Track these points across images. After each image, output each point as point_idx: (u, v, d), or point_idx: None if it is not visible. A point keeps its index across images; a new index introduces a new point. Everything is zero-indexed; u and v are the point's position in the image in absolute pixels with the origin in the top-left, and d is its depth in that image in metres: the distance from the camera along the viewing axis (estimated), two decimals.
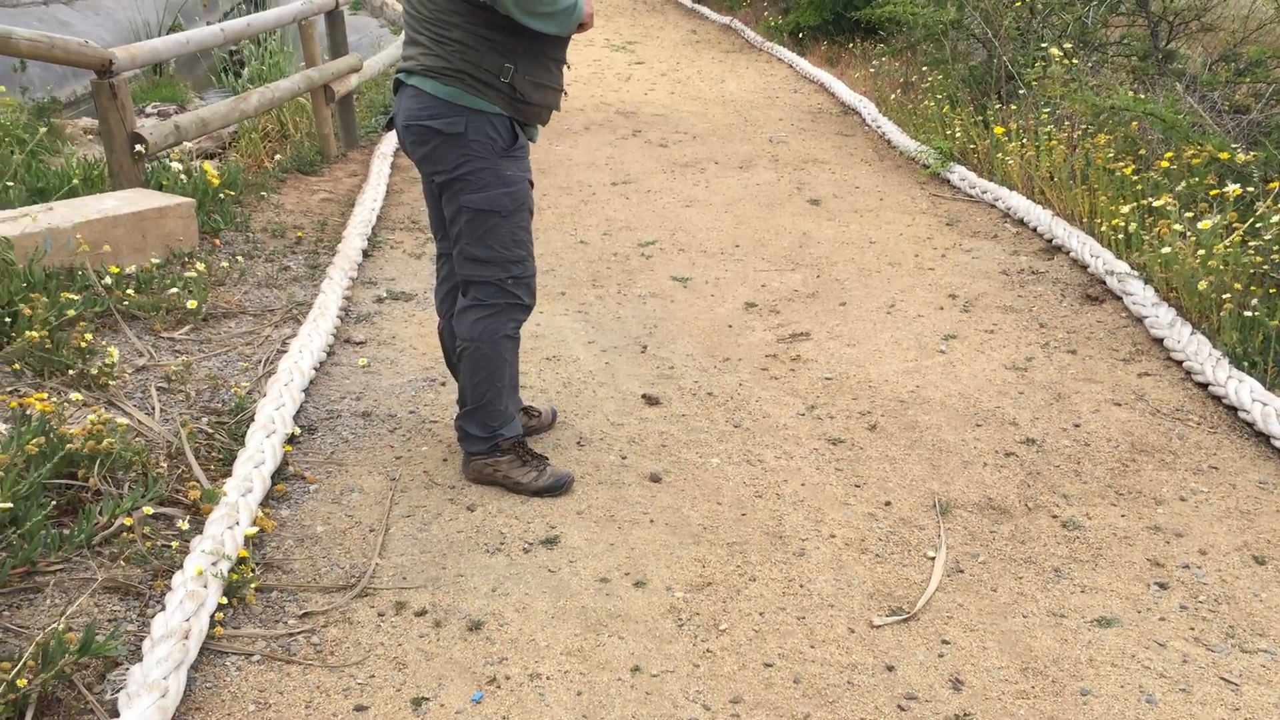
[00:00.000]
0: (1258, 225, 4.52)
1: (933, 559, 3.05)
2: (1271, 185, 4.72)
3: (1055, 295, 4.92)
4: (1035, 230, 5.68)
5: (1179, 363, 4.16)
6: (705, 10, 14.99)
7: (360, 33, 14.80)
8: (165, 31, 11.69)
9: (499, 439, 3.33)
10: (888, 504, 3.32)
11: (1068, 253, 5.29)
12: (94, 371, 3.58)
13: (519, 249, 3.19)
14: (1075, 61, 6.69)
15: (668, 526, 3.18)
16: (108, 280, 4.19)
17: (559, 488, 3.33)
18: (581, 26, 3.06)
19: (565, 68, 3.22)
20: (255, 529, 2.94)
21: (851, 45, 10.93)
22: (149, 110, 10.25)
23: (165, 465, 3.19)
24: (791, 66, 11.14)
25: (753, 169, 7.17)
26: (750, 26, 13.19)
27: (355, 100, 7.72)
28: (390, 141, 7.34)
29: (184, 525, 2.92)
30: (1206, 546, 3.10)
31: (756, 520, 3.22)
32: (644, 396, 3.97)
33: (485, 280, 3.18)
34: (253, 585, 2.75)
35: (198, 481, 3.13)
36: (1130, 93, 6.19)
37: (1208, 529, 3.18)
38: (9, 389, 3.49)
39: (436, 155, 3.08)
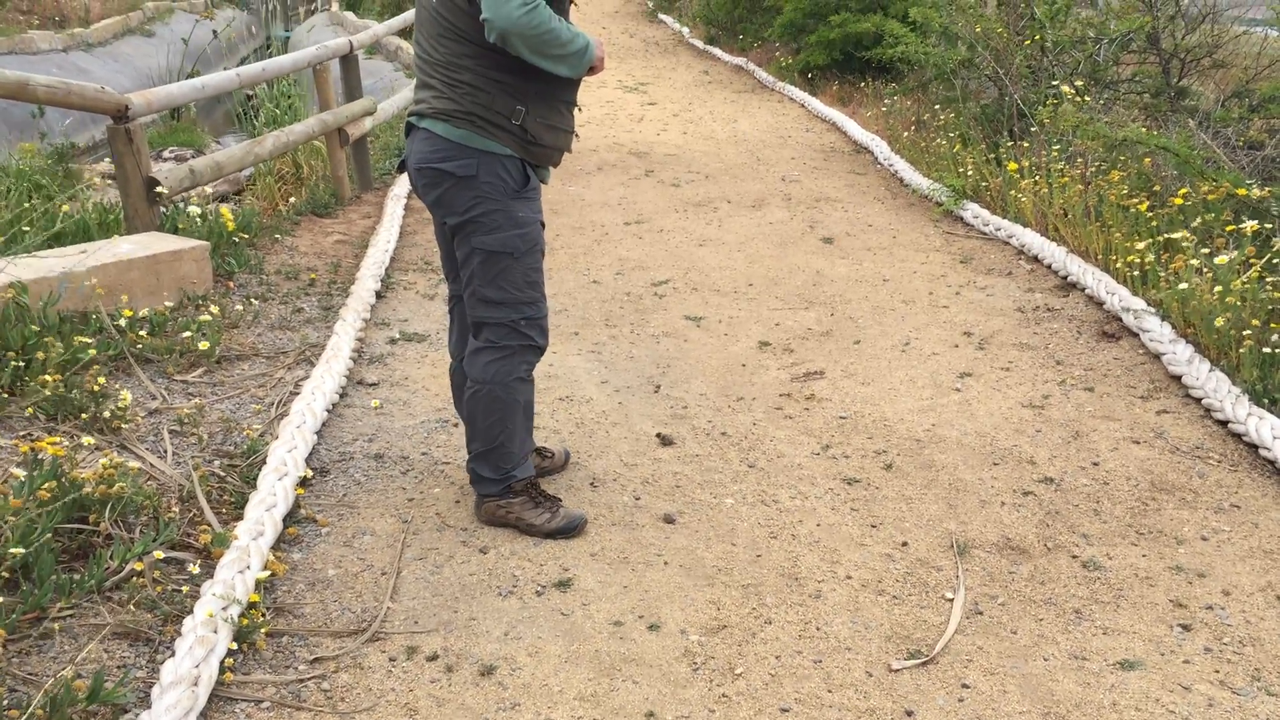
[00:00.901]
0: (1275, 261, 4.49)
1: (951, 600, 3.01)
2: None
3: (1071, 332, 4.89)
4: (1050, 267, 5.65)
5: (1198, 400, 4.12)
6: (717, 51, 15.10)
7: (375, 76, 14.96)
8: (183, 77, 11.84)
9: (511, 480, 3.31)
10: (904, 544, 3.28)
11: (1083, 289, 5.26)
12: (107, 415, 3.58)
13: (531, 290, 3.18)
14: (1087, 99, 6.70)
15: (682, 568, 3.14)
16: (121, 323, 4.20)
17: (572, 529, 3.30)
18: (592, 69, 3.08)
19: (576, 110, 3.23)
20: (267, 573, 2.92)
21: (863, 84, 10.98)
22: (166, 155, 10.36)
23: (177, 509, 3.18)
24: (803, 106, 11.19)
25: (765, 208, 7.18)
26: (762, 67, 13.27)
27: (370, 143, 7.78)
28: (404, 184, 7.38)
29: (195, 569, 2.90)
30: (1230, 587, 3.05)
31: (772, 561, 3.18)
32: (658, 436, 3.94)
33: (498, 322, 3.17)
34: (263, 630, 2.73)
35: (209, 525, 3.12)
36: (1143, 129, 6.18)
37: (1231, 569, 3.13)
38: (23, 433, 3.49)
39: (448, 198, 3.09)
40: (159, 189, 4.91)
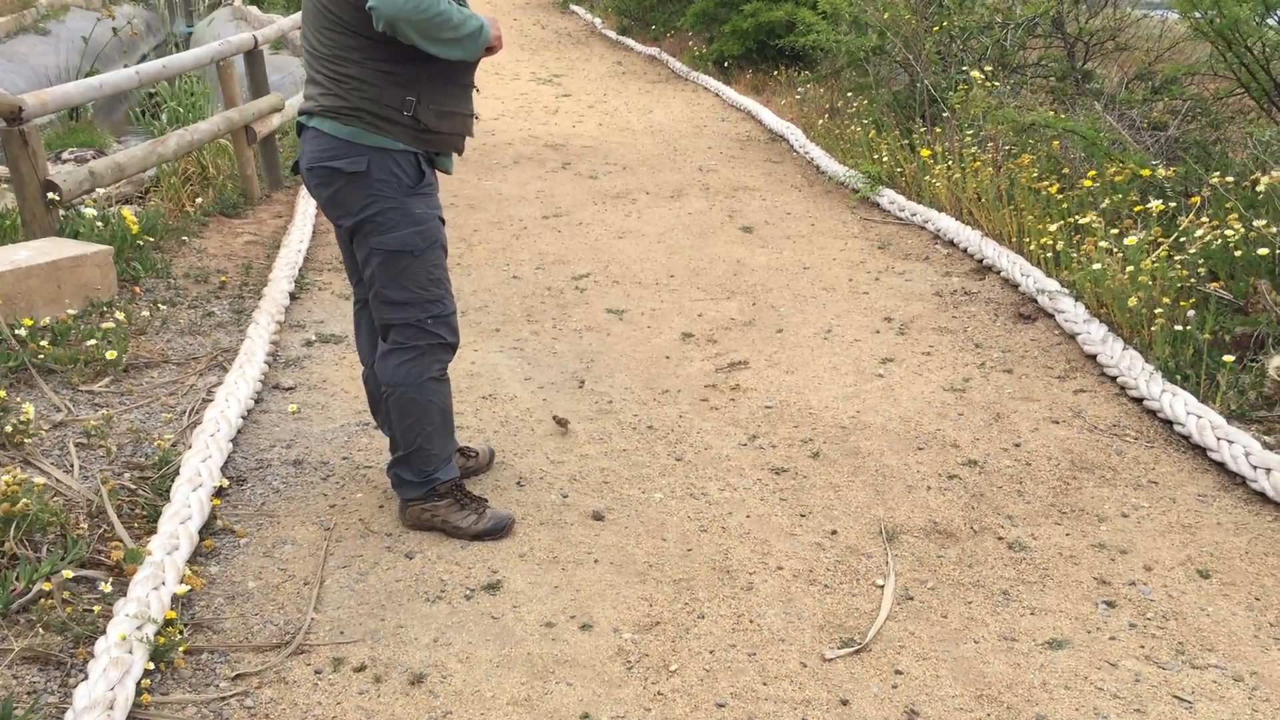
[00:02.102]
0: (1182, 240, 4.59)
1: (881, 587, 3.01)
2: (1193, 200, 4.80)
3: (989, 315, 4.95)
4: (966, 251, 5.72)
5: (1113, 378, 4.19)
6: (630, 42, 15.05)
7: (282, 72, 14.60)
8: (81, 77, 11.46)
9: (435, 483, 3.24)
10: (834, 533, 3.28)
11: (998, 272, 5.33)
12: (8, 430, 3.43)
13: (436, 287, 3.10)
14: (996, 84, 6.79)
15: (612, 566, 3.11)
16: (21, 333, 4.03)
17: (499, 530, 3.25)
18: (489, 50, 2.97)
19: (474, 91, 3.14)
20: (184, 588, 2.82)
21: (776, 73, 11.02)
22: (65, 156, 9.99)
23: (86, 525, 3.06)
24: (718, 95, 11.20)
25: (684, 198, 7.16)
26: (675, 57, 13.26)
27: (278, 140, 7.60)
28: None
29: (106, 588, 2.79)
30: (1151, 562, 3.10)
31: (703, 555, 3.16)
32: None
33: (404, 322, 3.10)
34: (181, 648, 2.63)
35: (120, 541, 3.00)
36: (1051, 112, 6.28)
37: (1151, 545, 3.19)
38: None
39: (341, 197, 2.99)
40: (53, 195, 4.72)
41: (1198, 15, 5.07)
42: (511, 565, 3.10)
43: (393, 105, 2.92)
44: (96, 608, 2.71)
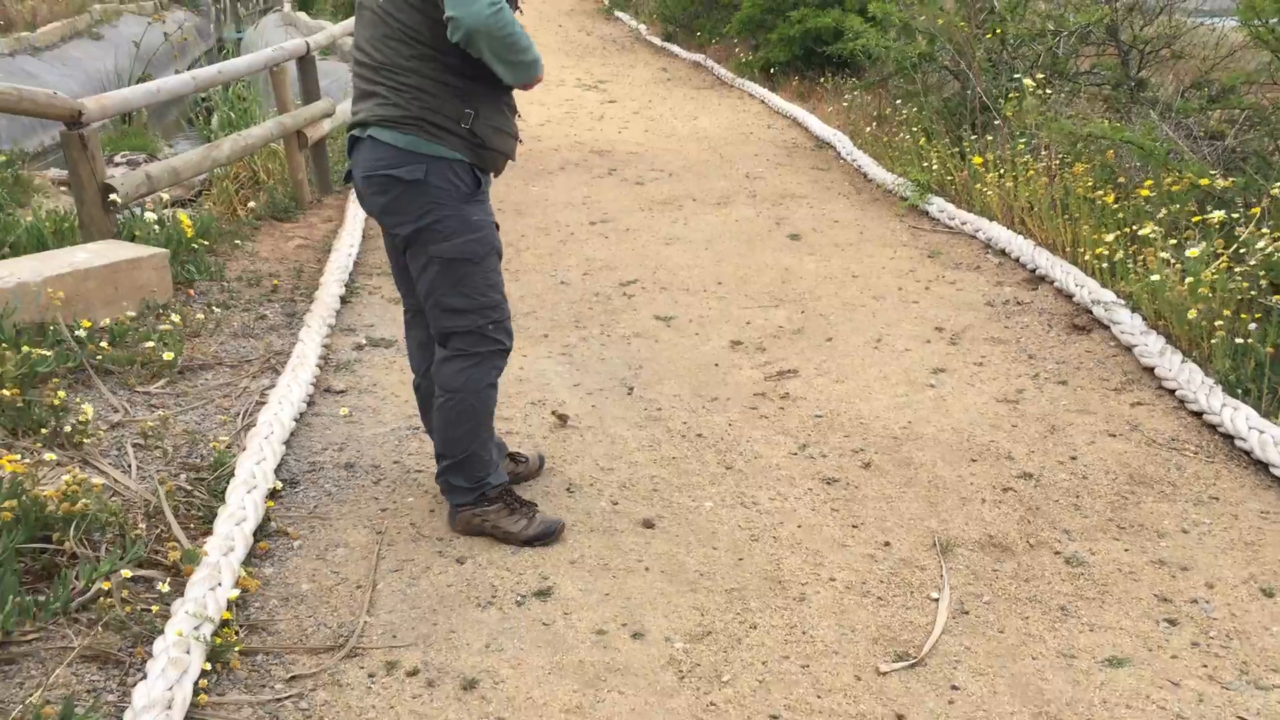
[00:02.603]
0: (1242, 251, 4.51)
1: (936, 600, 2.98)
2: (1254, 210, 4.72)
3: (1042, 325, 4.89)
4: (1018, 260, 5.66)
5: (1171, 391, 4.13)
6: (675, 48, 15.05)
7: (330, 77, 14.74)
8: (135, 81, 11.62)
9: (486, 488, 3.24)
10: (887, 544, 3.25)
11: (1052, 283, 5.27)
12: (68, 430, 3.48)
13: (494, 293, 3.12)
14: (1049, 92, 6.72)
15: (664, 574, 3.10)
16: (80, 334, 4.09)
17: (549, 535, 3.25)
18: (532, 82, 3.01)
19: (516, 116, 3.18)
20: (238, 590, 2.84)
21: (823, 80, 10.97)
22: (118, 160, 10.14)
23: (143, 525, 3.09)
24: (764, 102, 11.17)
25: (731, 205, 7.15)
26: (720, 64, 13.24)
27: (328, 145, 7.67)
28: None
29: (164, 588, 2.82)
30: (1213, 580, 3.05)
31: (754, 565, 3.14)
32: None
33: (465, 330, 3.11)
34: (237, 649, 2.65)
35: (178, 541, 3.03)
36: (1106, 121, 6.21)
37: (1213, 561, 3.13)
38: None
39: (399, 205, 3.00)
40: (114, 196, 4.79)
41: (1257, 23, 4.99)
42: (562, 572, 3.10)
43: (451, 116, 2.94)
44: (154, 607, 2.73)
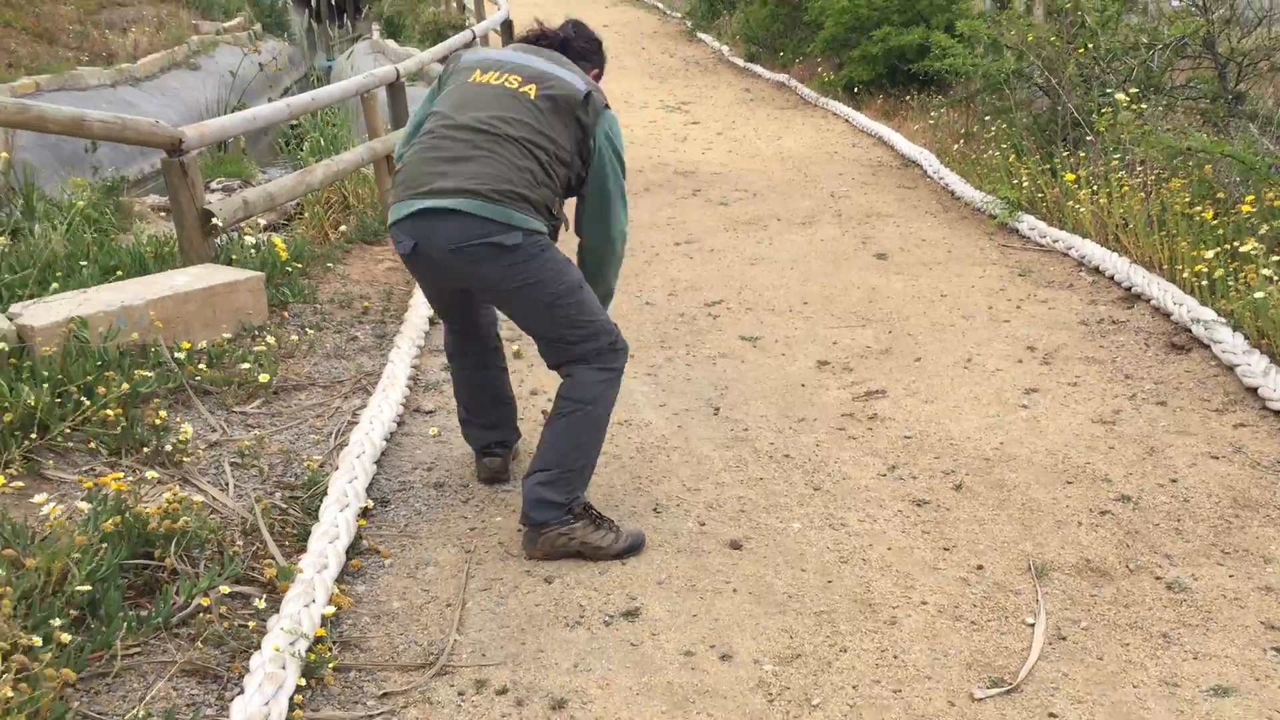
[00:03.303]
0: None
1: (1032, 625, 2.91)
2: None
3: (1139, 345, 4.77)
4: (1112, 279, 5.53)
5: (1276, 412, 3.99)
6: (758, 69, 15.04)
7: (418, 102, 15.04)
8: (230, 110, 11.96)
9: (575, 503, 3.25)
10: (980, 568, 3.19)
11: (1148, 301, 5.14)
12: (168, 449, 3.57)
13: (602, 310, 3.33)
14: (1144, 106, 6.57)
15: (751, 595, 3.07)
16: (180, 356, 4.20)
17: (638, 547, 3.29)
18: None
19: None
20: (333, 607, 2.89)
21: (908, 98, 10.87)
22: (214, 186, 10.44)
23: (241, 542, 3.16)
24: (848, 121, 11.10)
25: (815, 224, 7.10)
26: (804, 83, 13.19)
27: None
28: None
29: (260, 604, 2.87)
30: None
31: (844, 587, 3.10)
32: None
33: (599, 349, 3.25)
34: (331, 665, 2.69)
35: (274, 558, 3.09)
36: (1204, 135, 6.05)
37: None
38: (86, 468, 3.50)
39: (498, 272, 3.12)
40: (214, 221, 4.93)
41: None
42: (650, 592, 3.09)
43: (544, 201, 3.17)
44: (251, 623, 2.79)
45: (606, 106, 3.31)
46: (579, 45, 3.52)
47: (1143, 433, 3.97)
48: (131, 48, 19.98)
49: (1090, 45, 7.32)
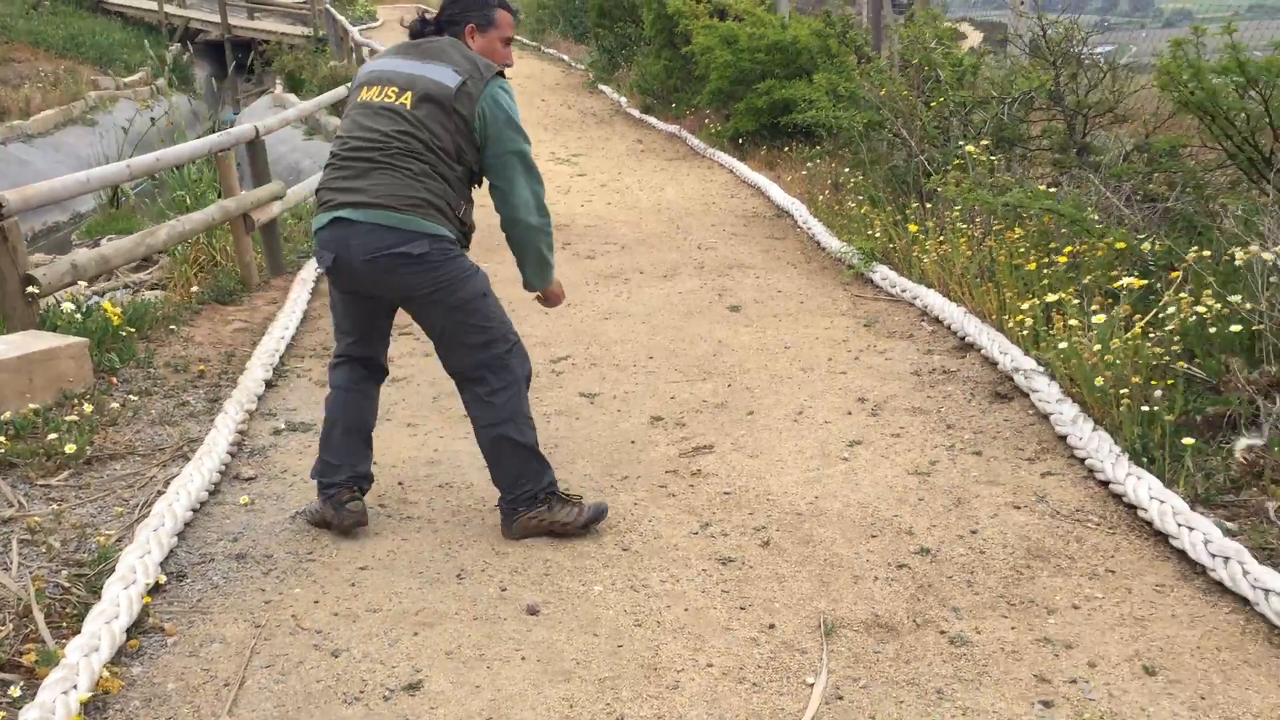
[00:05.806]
0: (1160, 316, 4.48)
1: (812, 685, 2.92)
2: (1174, 275, 4.70)
3: (965, 394, 4.85)
4: (949, 328, 5.64)
5: (1082, 460, 4.08)
6: (652, 120, 15.19)
7: (313, 157, 14.92)
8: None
9: (543, 492, 3.65)
10: (771, 626, 3.19)
11: (979, 350, 5.25)
12: None
13: (506, 320, 3.57)
14: (995, 158, 6.74)
15: (539, 663, 3.04)
16: None
17: (600, 516, 3.70)
18: (550, 297, 3.96)
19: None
20: (97, 691, 2.79)
21: (788, 149, 11.05)
22: (104, 243, 10.27)
23: (11, 625, 3.05)
24: (731, 171, 11.24)
25: (676, 277, 7.15)
26: (694, 134, 13.35)
27: (292, 226, 7.73)
28: (311, 267, 7.28)
29: (15, 692, 2.77)
30: (1096, 658, 2.98)
31: (632, 651, 3.09)
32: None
33: (491, 362, 3.52)
34: None
35: (43, 641, 2.99)
36: (1041, 186, 6.22)
37: (1099, 639, 3.06)
38: None
39: (408, 280, 3.38)
40: (32, 288, 4.81)
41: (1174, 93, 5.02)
42: (437, 664, 3.05)
43: (451, 204, 3.43)
44: (2, 714, 2.69)
45: (498, 74, 3.49)
46: (449, 13, 3.61)
47: (954, 483, 4.02)
48: (24, 103, 19.61)
49: (943, 99, 7.50)
